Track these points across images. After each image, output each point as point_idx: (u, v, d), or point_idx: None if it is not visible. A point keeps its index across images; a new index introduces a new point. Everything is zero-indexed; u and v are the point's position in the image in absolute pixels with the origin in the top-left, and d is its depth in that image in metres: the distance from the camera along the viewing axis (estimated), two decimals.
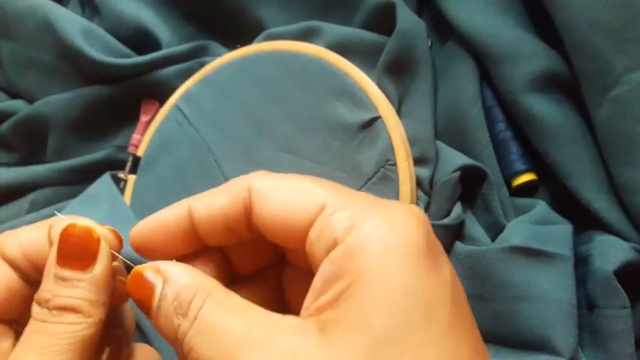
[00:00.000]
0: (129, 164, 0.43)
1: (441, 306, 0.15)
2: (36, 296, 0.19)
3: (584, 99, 0.30)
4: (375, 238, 0.16)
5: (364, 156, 0.32)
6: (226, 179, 0.36)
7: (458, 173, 0.30)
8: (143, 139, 0.43)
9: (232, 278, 0.21)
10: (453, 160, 0.31)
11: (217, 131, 0.38)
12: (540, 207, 0.31)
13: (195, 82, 0.41)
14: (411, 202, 0.30)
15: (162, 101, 0.43)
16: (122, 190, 0.41)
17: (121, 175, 0.42)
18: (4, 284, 0.20)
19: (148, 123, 0.43)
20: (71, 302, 0.18)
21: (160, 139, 0.41)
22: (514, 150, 0.32)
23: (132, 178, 0.41)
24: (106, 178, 0.42)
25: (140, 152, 0.42)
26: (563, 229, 0.30)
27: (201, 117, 0.39)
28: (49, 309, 0.18)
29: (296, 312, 0.18)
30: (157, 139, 0.41)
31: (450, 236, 0.30)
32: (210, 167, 0.36)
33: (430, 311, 0.15)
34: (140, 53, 0.45)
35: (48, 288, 0.18)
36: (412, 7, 0.36)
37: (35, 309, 0.18)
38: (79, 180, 0.45)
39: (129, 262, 0.19)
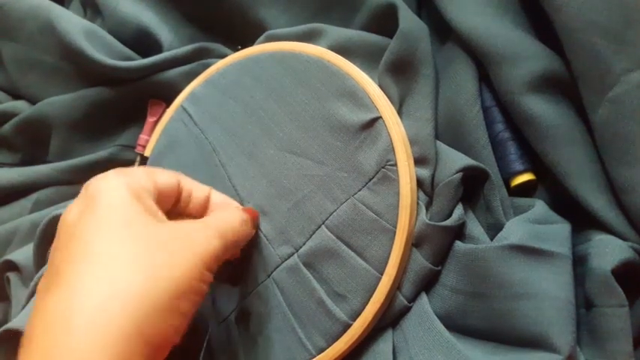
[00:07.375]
0: (137, 164, 0.43)
1: None
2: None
3: (582, 99, 0.31)
4: None
5: (365, 156, 0.32)
6: (230, 180, 0.36)
7: (460, 174, 0.30)
8: (150, 140, 0.43)
9: None
10: (455, 160, 0.31)
11: (222, 132, 0.38)
12: (539, 206, 0.31)
13: (200, 82, 0.41)
14: (412, 203, 0.30)
15: (167, 103, 0.43)
16: None
17: None
18: (171, 189, 0.30)
19: (155, 123, 0.43)
20: (249, 233, 0.32)
21: (166, 140, 0.41)
22: (513, 150, 0.32)
23: None
24: None
25: (147, 152, 0.42)
26: (562, 228, 0.30)
27: (207, 118, 0.39)
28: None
29: None
30: (164, 139, 0.41)
31: (450, 237, 0.31)
32: (216, 168, 0.36)
33: None
34: (142, 54, 0.45)
35: (240, 219, 0.31)
36: (411, 8, 0.36)
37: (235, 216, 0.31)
38: (82, 179, 0.45)
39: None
